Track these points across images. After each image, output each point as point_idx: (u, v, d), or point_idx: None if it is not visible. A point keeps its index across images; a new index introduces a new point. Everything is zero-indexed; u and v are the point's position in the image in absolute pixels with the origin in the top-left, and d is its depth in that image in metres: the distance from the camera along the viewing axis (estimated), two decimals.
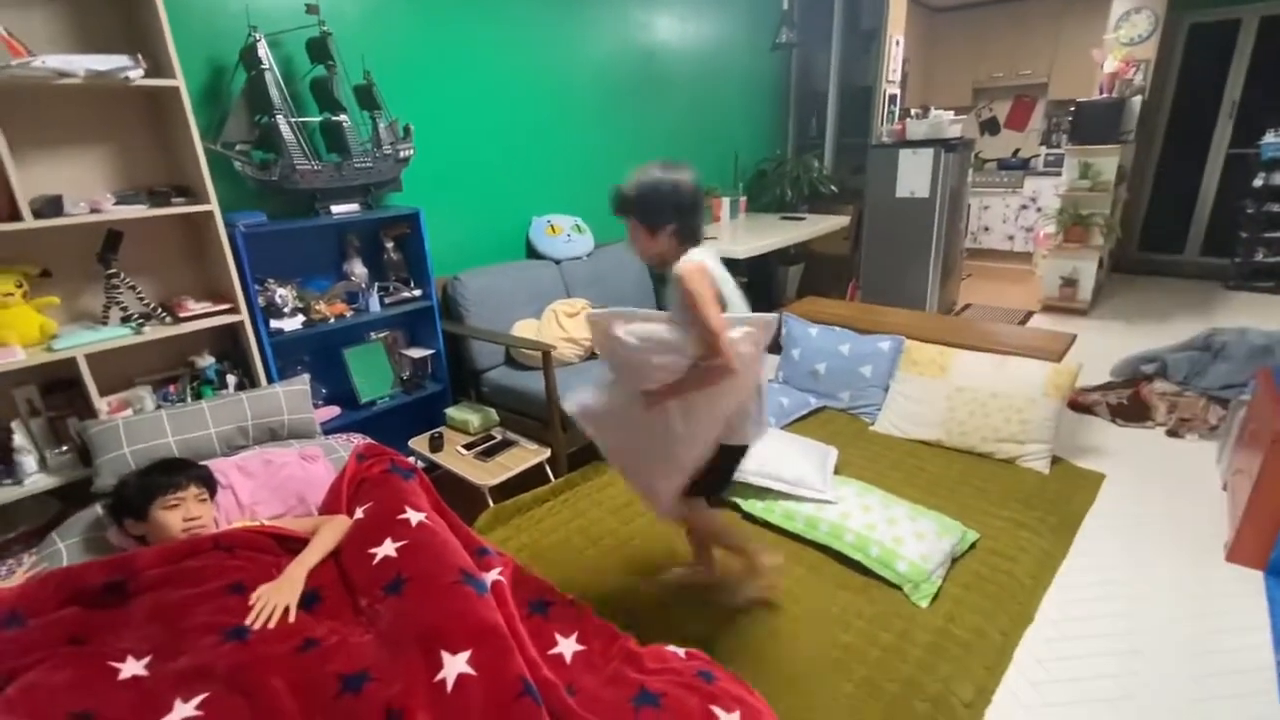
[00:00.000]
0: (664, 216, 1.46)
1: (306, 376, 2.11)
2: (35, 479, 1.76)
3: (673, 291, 1.46)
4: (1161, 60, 5.01)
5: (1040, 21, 5.69)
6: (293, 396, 2.02)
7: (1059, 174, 4.89)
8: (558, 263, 3.17)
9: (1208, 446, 2.70)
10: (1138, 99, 4.57)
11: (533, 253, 3.20)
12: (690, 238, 1.50)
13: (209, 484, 1.55)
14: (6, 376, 1.72)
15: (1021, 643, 1.73)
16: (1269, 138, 4.66)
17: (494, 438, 2.50)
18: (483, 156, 2.94)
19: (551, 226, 3.21)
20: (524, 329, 2.81)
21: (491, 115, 2.93)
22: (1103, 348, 3.65)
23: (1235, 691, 1.58)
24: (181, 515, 1.45)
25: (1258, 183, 4.70)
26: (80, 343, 1.77)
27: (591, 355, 2.85)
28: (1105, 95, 4.42)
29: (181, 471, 1.51)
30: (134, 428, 1.74)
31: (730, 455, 1.63)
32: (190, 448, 1.78)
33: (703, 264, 1.44)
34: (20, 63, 1.58)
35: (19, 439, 1.74)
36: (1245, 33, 4.97)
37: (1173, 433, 2.83)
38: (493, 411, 2.64)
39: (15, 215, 1.64)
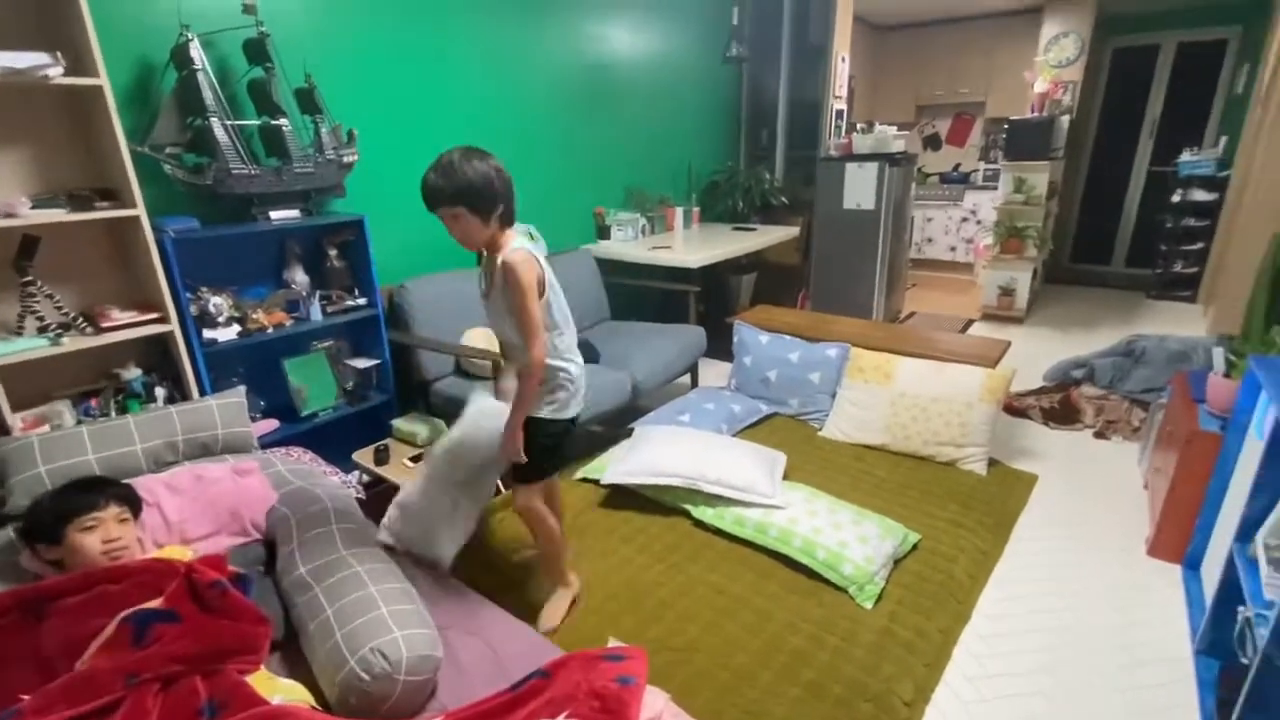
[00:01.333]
0: (493, 203, 1.50)
1: (242, 388, 2.03)
2: None
3: (498, 277, 1.53)
4: (1088, 82, 5.33)
5: (978, 43, 5.97)
6: (227, 410, 1.94)
7: (996, 188, 5.12)
8: None
9: (1131, 447, 2.86)
10: (1066, 118, 4.84)
11: None
12: (510, 220, 1.57)
13: (131, 502, 1.47)
14: None
15: (960, 640, 1.79)
16: (1185, 156, 4.99)
17: None
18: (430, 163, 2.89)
19: None
20: (474, 338, 2.77)
21: (440, 122, 2.90)
22: (1036, 354, 3.83)
23: (1157, 680, 1.67)
24: (100, 537, 1.36)
25: (1175, 198, 5.02)
26: None
27: None
28: (1036, 114, 4.66)
29: (99, 490, 1.43)
30: (50, 445, 1.63)
31: (551, 429, 1.68)
32: (113, 465, 1.68)
33: (531, 257, 1.51)
34: None
35: None
36: (1164, 57, 5.33)
37: (1100, 434, 2.98)
38: (442, 423, 2.58)
39: None
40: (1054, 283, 5.85)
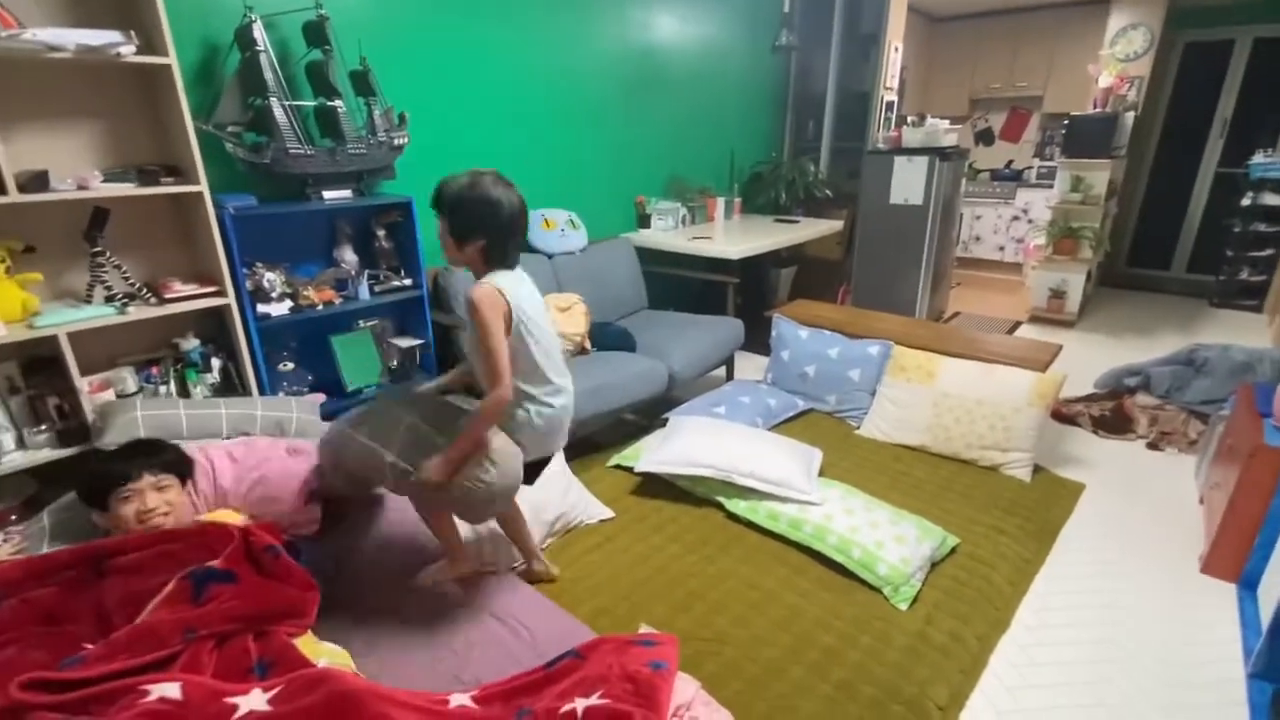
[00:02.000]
0: (471, 232, 1.46)
1: (321, 397, 2.18)
2: (12, 457, 1.74)
3: (465, 311, 1.49)
4: (1155, 77, 5.08)
5: (1038, 35, 5.74)
6: (304, 406, 2.08)
7: (1051, 186, 4.94)
8: (550, 257, 3.17)
9: (1186, 460, 2.74)
10: (1131, 115, 4.62)
11: (525, 246, 3.19)
12: (499, 260, 1.50)
13: (173, 468, 1.50)
14: None
15: (997, 648, 1.75)
16: (1258, 158, 4.73)
17: None
18: (478, 148, 2.92)
19: (546, 221, 3.20)
20: None
21: (488, 108, 2.92)
22: (1087, 360, 3.69)
23: (1205, 701, 1.61)
24: (136, 508, 1.41)
25: (1245, 202, 4.77)
26: (62, 321, 1.75)
27: (581, 350, 2.85)
28: (1099, 110, 4.47)
29: (135, 460, 1.46)
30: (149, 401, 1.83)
31: None
32: (198, 425, 1.82)
33: (494, 291, 1.44)
34: (10, 34, 1.55)
35: None
36: (1239, 53, 5.04)
37: (1153, 445, 2.86)
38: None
39: (0, 189, 1.62)
40: (1108, 286, 5.63)
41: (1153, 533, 2.26)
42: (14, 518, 1.72)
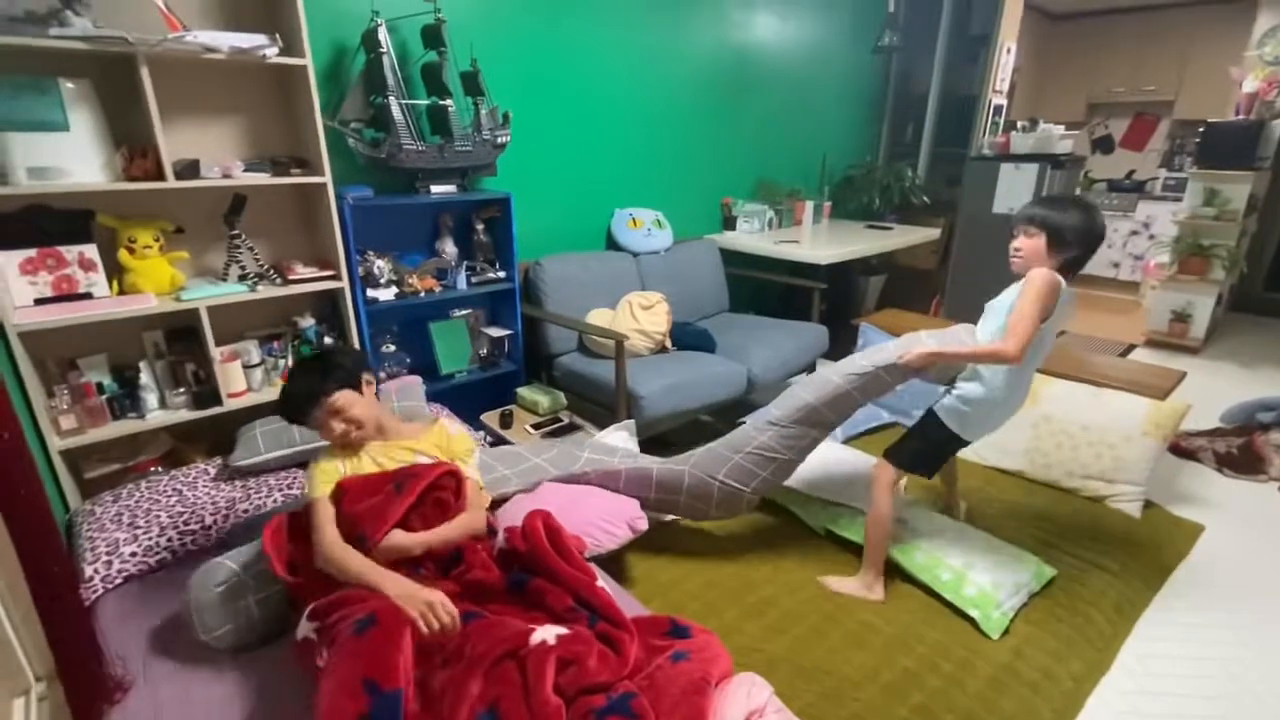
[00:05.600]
0: (1072, 246, 1.66)
1: (420, 383, 2.28)
2: (155, 415, 1.94)
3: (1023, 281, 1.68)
4: None
5: (1170, 34, 5.28)
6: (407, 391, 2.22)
7: (1179, 199, 4.53)
8: (636, 255, 3.21)
9: None
10: (1279, 123, 4.17)
11: (612, 244, 3.25)
12: (1075, 269, 1.70)
13: (347, 382, 1.48)
14: (139, 321, 1.90)
15: (1096, 691, 1.63)
16: None
17: (561, 420, 2.56)
18: (573, 147, 3.00)
19: (633, 220, 3.24)
20: (598, 318, 2.86)
21: (584, 107, 2.99)
22: (1214, 390, 3.37)
23: None
24: (327, 435, 1.47)
25: None
26: (204, 295, 1.93)
27: (661, 349, 2.87)
28: (1242, 117, 4.06)
29: (310, 385, 1.45)
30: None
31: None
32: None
33: (1059, 280, 1.64)
34: (175, 37, 1.73)
35: (145, 378, 1.92)
36: None
37: None
38: (562, 395, 2.70)
39: (160, 175, 1.81)
40: (1241, 312, 5.10)
41: None
42: (156, 469, 1.93)
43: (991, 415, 1.81)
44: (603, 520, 1.81)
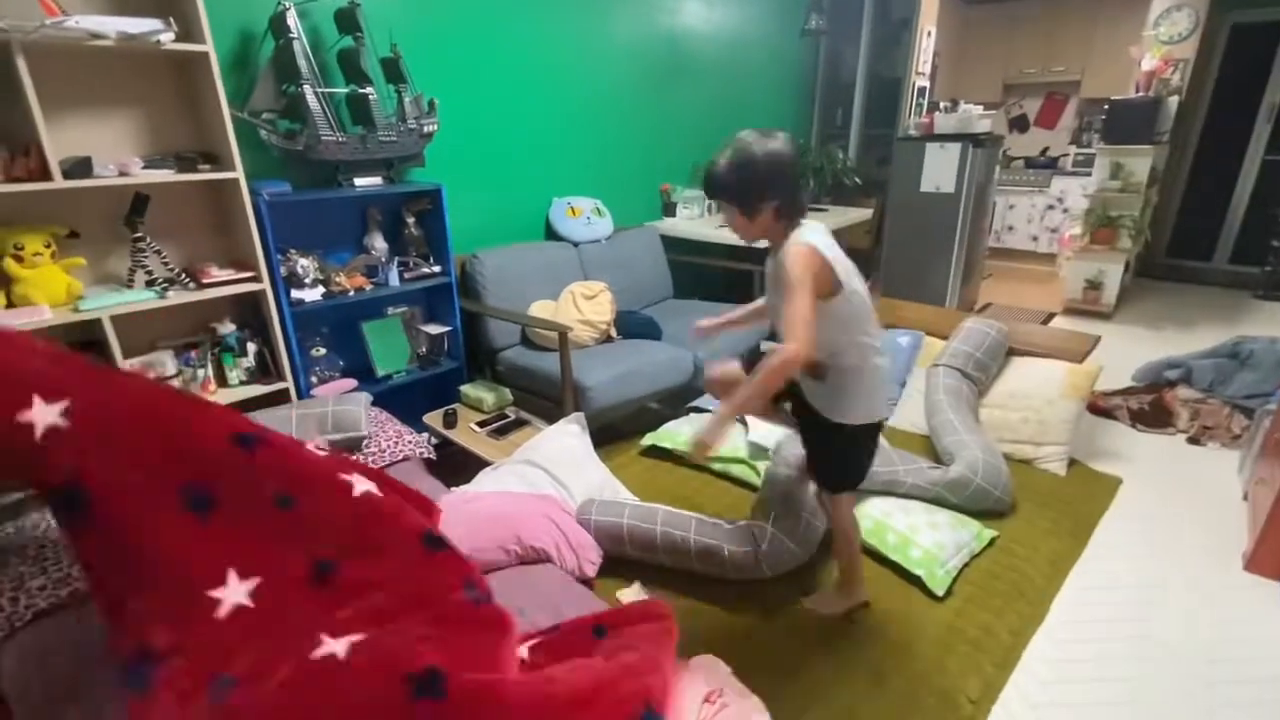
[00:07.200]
0: (761, 199, 1.36)
1: (367, 396, 2.14)
2: None
3: (777, 272, 1.38)
4: (1201, 60, 4.88)
5: (1076, 17, 5.56)
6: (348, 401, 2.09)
7: (1088, 174, 4.79)
8: (576, 245, 3.16)
9: (1229, 455, 2.66)
10: (1174, 99, 4.46)
11: (552, 234, 3.19)
12: (794, 213, 1.40)
13: None
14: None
15: (1031, 642, 1.72)
16: None
17: (508, 416, 2.51)
18: (505, 135, 2.92)
19: (572, 208, 3.20)
20: (541, 309, 2.81)
21: (516, 95, 2.91)
22: (1125, 352, 3.59)
23: (1247, 700, 1.56)
24: None
25: None
26: (106, 304, 1.79)
27: (606, 338, 2.84)
28: (1141, 94, 4.32)
29: None
30: None
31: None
32: None
33: (810, 250, 1.34)
34: (54, 22, 1.58)
35: None
36: None
37: (1194, 440, 2.78)
38: (507, 391, 2.65)
39: (46, 175, 1.66)
40: (1147, 278, 5.47)
41: (1193, 529, 2.19)
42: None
43: (862, 381, 1.51)
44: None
